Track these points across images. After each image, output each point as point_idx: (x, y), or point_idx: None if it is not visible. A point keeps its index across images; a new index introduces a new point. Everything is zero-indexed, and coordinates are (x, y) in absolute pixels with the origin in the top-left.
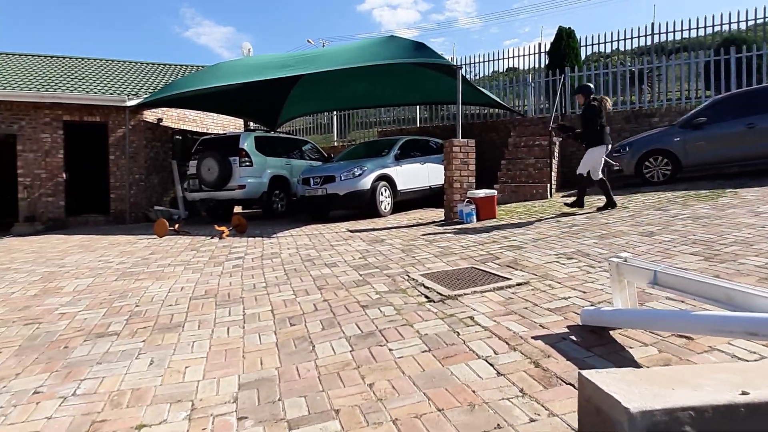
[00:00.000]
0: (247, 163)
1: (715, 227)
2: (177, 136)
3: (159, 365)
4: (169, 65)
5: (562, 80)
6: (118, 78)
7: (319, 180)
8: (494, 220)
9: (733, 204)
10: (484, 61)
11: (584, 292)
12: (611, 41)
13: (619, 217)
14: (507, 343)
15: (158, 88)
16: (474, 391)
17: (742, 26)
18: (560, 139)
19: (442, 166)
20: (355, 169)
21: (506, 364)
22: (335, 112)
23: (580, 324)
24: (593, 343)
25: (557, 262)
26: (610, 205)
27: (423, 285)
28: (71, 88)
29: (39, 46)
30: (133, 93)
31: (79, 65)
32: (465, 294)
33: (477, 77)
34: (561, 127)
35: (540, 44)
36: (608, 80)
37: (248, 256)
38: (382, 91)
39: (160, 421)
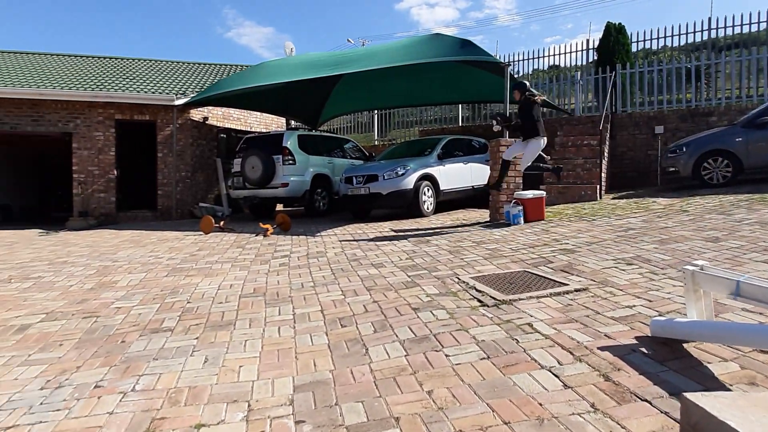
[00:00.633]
0: (290, 162)
1: None
2: (222, 135)
3: (214, 363)
4: (214, 65)
5: (612, 77)
6: (166, 78)
7: (362, 179)
8: (543, 222)
9: None
10: (525, 59)
11: (650, 301)
12: (663, 37)
13: (679, 221)
14: (571, 353)
15: (204, 87)
16: (541, 404)
17: None
18: (499, 127)
19: (485, 166)
20: (398, 169)
21: (573, 375)
22: (376, 111)
23: (650, 335)
24: (666, 356)
25: (616, 267)
26: (497, 188)
27: (474, 288)
28: (123, 88)
29: (93, 47)
30: (180, 92)
31: (130, 66)
32: (520, 299)
33: (518, 76)
34: (503, 117)
35: (587, 41)
36: (662, 77)
37: (294, 254)
38: (423, 89)
39: (218, 422)
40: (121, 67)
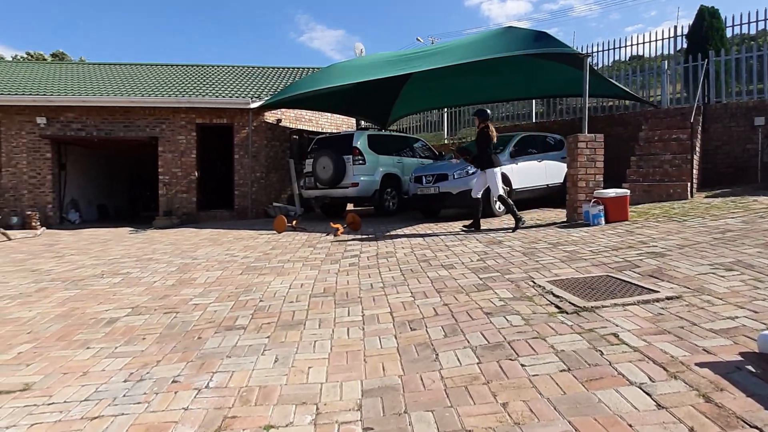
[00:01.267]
0: (360, 162)
1: None
2: (294, 136)
3: (284, 363)
4: (287, 68)
5: (705, 65)
6: (242, 82)
7: (432, 178)
8: (626, 222)
9: None
10: (604, 50)
11: (755, 312)
12: (762, 20)
13: None
14: (664, 368)
15: (277, 90)
16: (630, 425)
17: None
18: (456, 160)
19: (561, 164)
20: (469, 168)
21: (667, 395)
22: (445, 109)
23: (758, 351)
24: None
25: (713, 273)
26: (475, 226)
27: (552, 293)
28: (203, 94)
29: (176, 56)
30: (255, 96)
31: (209, 72)
32: (603, 306)
33: (597, 68)
34: (460, 149)
35: (675, 27)
36: (761, 64)
37: (363, 254)
38: (495, 86)
39: (287, 423)
40: (201, 74)
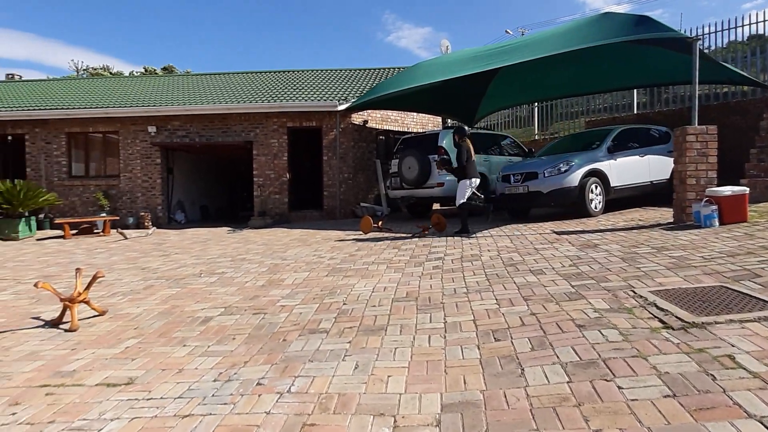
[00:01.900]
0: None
1: None
2: (380, 137)
3: (363, 370)
4: (373, 69)
5: None
6: (329, 85)
7: (521, 177)
8: (744, 224)
9: None
10: (717, 31)
11: None
12: None
13: None
14: None
15: (364, 92)
16: None
17: None
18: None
19: (666, 158)
20: (561, 165)
21: None
22: (536, 104)
23: None
24: None
25: None
26: (464, 231)
27: (655, 305)
28: (293, 98)
29: (268, 62)
30: (342, 98)
31: (298, 77)
32: (717, 323)
33: (709, 51)
34: (442, 161)
35: None
36: None
37: (448, 257)
38: (591, 76)
39: None
40: (291, 79)
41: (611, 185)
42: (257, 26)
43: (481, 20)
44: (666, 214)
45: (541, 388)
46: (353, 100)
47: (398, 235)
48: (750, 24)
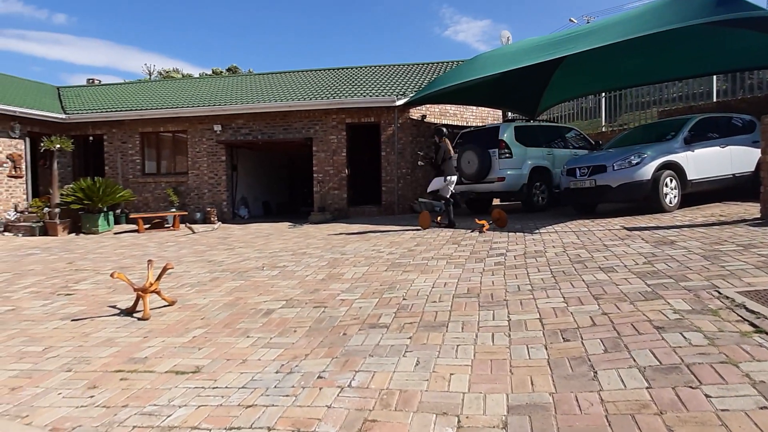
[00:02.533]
0: (507, 155)
1: None
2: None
3: (425, 367)
4: (430, 63)
5: None
6: (387, 81)
7: (587, 170)
8: None
9: None
10: None
11: None
12: None
13: None
14: None
15: (422, 86)
16: None
17: None
18: (422, 163)
19: (751, 149)
20: (632, 157)
21: None
22: (603, 94)
23: None
24: None
25: None
26: (450, 224)
27: (744, 307)
28: (351, 95)
29: (327, 60)
30: (400, 93)
31: (356, 73)
32: None
33: None
34: (422, 157)
35: None
36: None
37: (510, 253)
38: (665, 63)
39: None
40: (349, 76)
41: (688, 179)
42: (314, 26)
43: (543, 10)
44: (751, 210)
45: (617, 393)
46: (411, 95)
47: (457, 230)
48: None
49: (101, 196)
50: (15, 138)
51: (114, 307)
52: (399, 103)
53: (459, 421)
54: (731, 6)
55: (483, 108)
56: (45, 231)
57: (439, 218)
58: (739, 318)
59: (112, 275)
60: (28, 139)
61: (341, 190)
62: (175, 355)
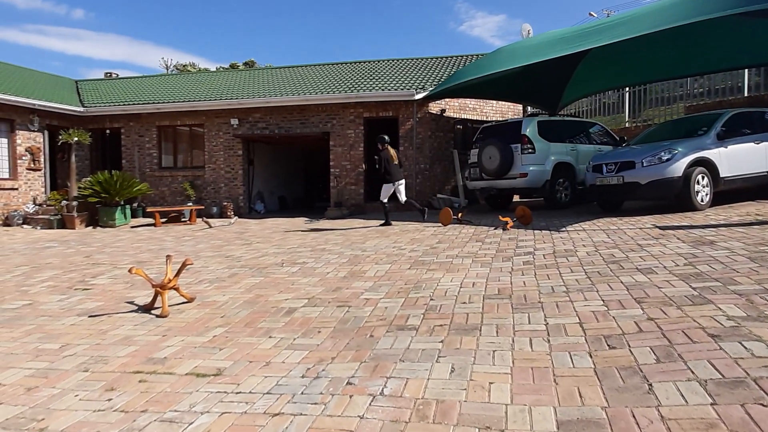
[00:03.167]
0: (530, 150)
1: None
2: (458, 126)
3: (461, 375)
4: (449, 57)
5: None
6: (406, 74)
7: (614, 167)
8: None
9: None
10: None
11: None
12: None
13: None
14: None
15: (440, 80)
16: None
17: None
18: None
19: None
20: (662, 153)
21: None
22: (627, 89)
23: None
24: None
25: None
26: (387, 223)
27: None
28: (369, 88)
29: (343, 54)
30: (419, 87)
31: (374, 67)
32: None
33: None
34: (377, 160)
35: None
36: None
37: (538, 251)
38: (693, 56)
39: None
40: (367, 69)
41: (720, 176)
42: (328, 22)
43: (559, 4)
44: None
45: (678, 409)
46: (431, 89)
47: (480, 227)
48: None
49: (118, 189)
50: (34, 131)
51: (132, 303)
52: (418, 96)
53: None
54: None
55: (503, 102)
56: (63, 224)
57: (460, 215)
58: None
59: (130, 271)
60: (46, 132)
61: (358, 185)
62: (195, 356)
